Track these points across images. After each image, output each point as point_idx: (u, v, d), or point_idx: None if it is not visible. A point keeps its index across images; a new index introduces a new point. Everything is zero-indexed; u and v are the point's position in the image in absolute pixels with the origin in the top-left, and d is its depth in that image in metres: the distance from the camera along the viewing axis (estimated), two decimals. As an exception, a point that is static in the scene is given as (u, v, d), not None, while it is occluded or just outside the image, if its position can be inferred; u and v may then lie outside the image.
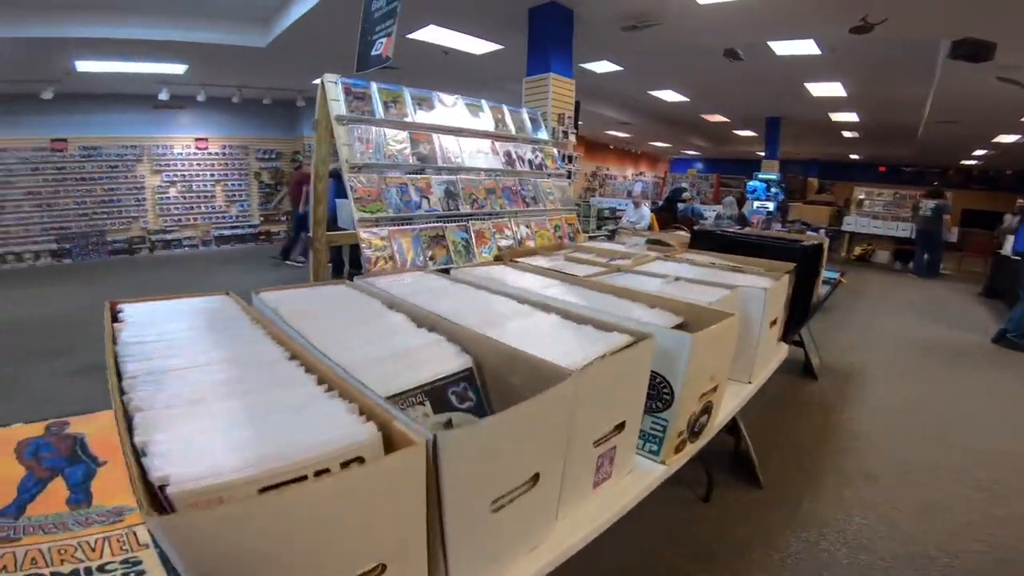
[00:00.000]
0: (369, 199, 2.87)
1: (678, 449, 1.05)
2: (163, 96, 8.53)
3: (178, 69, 7.44)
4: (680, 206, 8.93)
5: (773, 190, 11.12)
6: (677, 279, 1.42)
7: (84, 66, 6.87)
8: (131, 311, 0.99)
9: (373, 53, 4.23)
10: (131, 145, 9.50)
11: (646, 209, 8.05)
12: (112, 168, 9.43)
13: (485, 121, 3.65)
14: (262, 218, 10.84)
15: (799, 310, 2.04)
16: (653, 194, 16.93)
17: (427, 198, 3.09)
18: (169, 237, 10.02)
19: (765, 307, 1.34)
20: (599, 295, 1.26)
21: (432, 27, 5.82)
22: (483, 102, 3.70)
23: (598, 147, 17.60)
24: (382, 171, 2.96)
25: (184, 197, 10.07)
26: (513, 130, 3.82)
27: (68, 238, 9.19)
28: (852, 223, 10.32)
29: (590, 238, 4.65)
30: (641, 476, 1.02)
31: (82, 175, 9.20)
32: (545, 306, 1.07)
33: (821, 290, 3.01)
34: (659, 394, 0.98)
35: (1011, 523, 2.07)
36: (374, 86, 3.14)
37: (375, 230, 2.84)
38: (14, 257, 8.79)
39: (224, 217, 10.42)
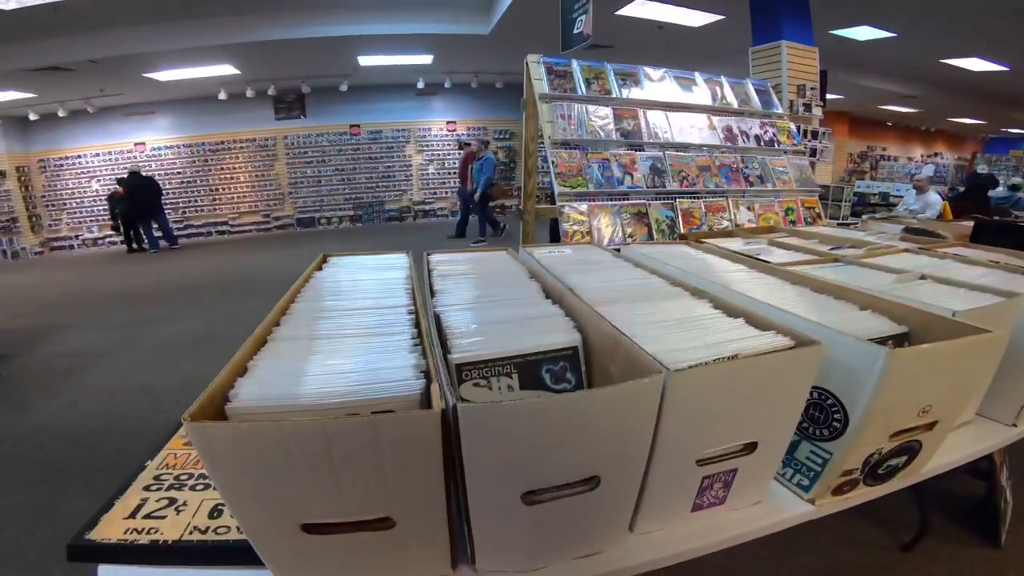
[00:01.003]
0: (569, 174, 2.89)
1: (840, 491, 0.78)
2: (420, 84, 10.05)
3: (426, 59, 8.60)
4: (994, 194, 6.72)
5: None
6: (923, 277, 1.04)
7: (364, 60, 8.47)
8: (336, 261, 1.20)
9: (575, 32, 4.21)
10: (401, 129, 11.48)
11: (935, 195, 6.31)
12: (389, 149, 11.57)
13: (700, 95, 3.31)
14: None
15: None
16: (956, 180, 13.20)
17: (631, 174, 2.97)
18: (427, 208, 11.88)
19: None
20: (791, 287, 1.00)
21: (641, 1, 5.48)
22: (696, 75, 3.37)
23: (869, 124, 14.44)
24: (586, 147, 2.94)
25: (438, 173, 11.80)
26: (735, 103, 3.37)
27: (360, 207, 11.67)
28: None
29: (838, 226, 3.84)
30: (770, 512, 0.79)
31: (370, 155, 11.51)
32: (699, 292, 0.89)
33: None
34: (827, 418, 0.73)
35: None
36: (575, 64, 3.12)
37: (574, 204, 2.85)
38: (326, 221, 11.54)
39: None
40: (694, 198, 3.02)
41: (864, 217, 4.06)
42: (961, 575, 1.57)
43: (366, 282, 1.06)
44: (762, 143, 3.40)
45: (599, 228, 2.83)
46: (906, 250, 1.31)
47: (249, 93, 10.03)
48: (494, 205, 8.87)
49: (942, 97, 9.87)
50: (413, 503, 0.58)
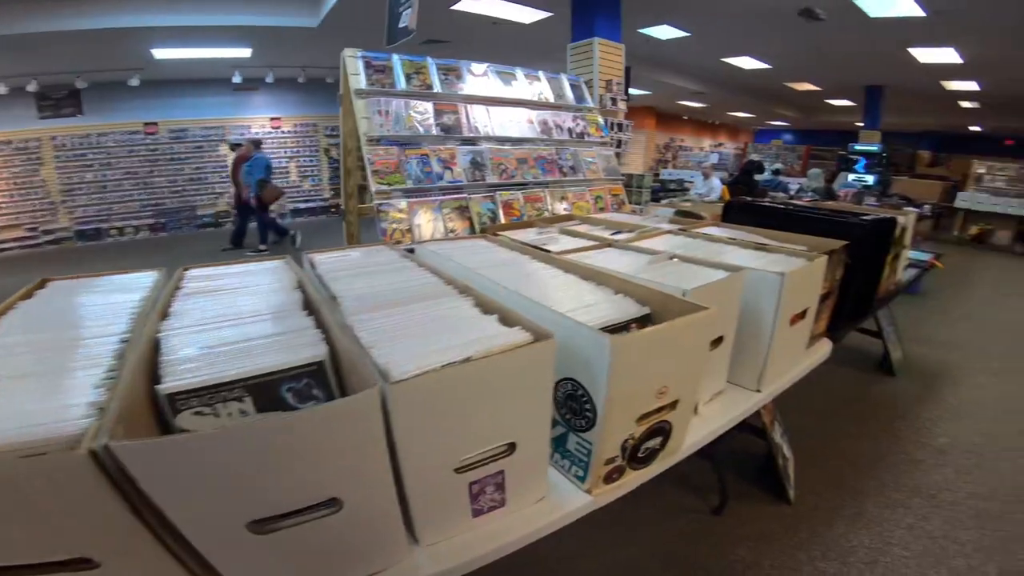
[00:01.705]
0: (387, 171, 2.77)
1: (611, 478, 0.83)
2: (236, 79, 8.98)
3: (244, 52, 7.74)
4: (760, 178, 8.15)
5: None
6: (673, 258, 1.16)
7: (160, 53, 7.31)
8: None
9: (400, 26, 4.11)
10: (214, 127, 10.13)
11: (716, 181, 7.46)
12: (198, 148, 10.14)
13: (519, 90, 3.42)
14: (332, 192, 11.30)
15: (856, 300, 1.67)
16: (734, 167, 15.72)
17: (451, 169, 2.95)
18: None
19: (780, 296, 1.04)
20: (563, 275, 1.04)
21: None
22: (517, 70, 3.47)
23: (671, 118, 16.58)
24: (404, 143, 2.85)
25: (262, 174, 10.68)
26: (551, 98, 3.55)
27: (164, 213, 10.04)
28: (968, 199, 8.90)
29: (634, 211, 4.29)
30: (552, 508, 0.81)
31: (172, 156, 9.97)
32: (466, 290, 0.87)
33: (903, 275, 2.52)
34: (581, 409, 0.76)
35: None
36: (395, 58, 3.02)
37: (392, 202, 2.74)
38: (117, 231, 9.74)
39: (298, 192, 10.97)
40: (513, 190, 3.11)
41: (664, 201, 4.61)
42: (763, 536, 1.76)
43: (82, 309, 0.86)
44: (574, 135, 3.63)
45: (419, 225, 2.77)
46: (669, 232, 1.46)
47: (1, 89, 8.06)
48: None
49: (723, 93, 11.68)
50: (104, 545, 0.50)
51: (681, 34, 7.04)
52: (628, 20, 6.30)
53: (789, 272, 1.03)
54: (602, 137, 3.78)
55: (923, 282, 4.41)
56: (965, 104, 10.44)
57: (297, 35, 6.66)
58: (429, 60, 3.12)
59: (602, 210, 3.46)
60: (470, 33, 6.85)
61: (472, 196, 2.97)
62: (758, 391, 1.16)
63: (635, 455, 0.83)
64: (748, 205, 1.85)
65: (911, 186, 9.28)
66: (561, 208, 3.28)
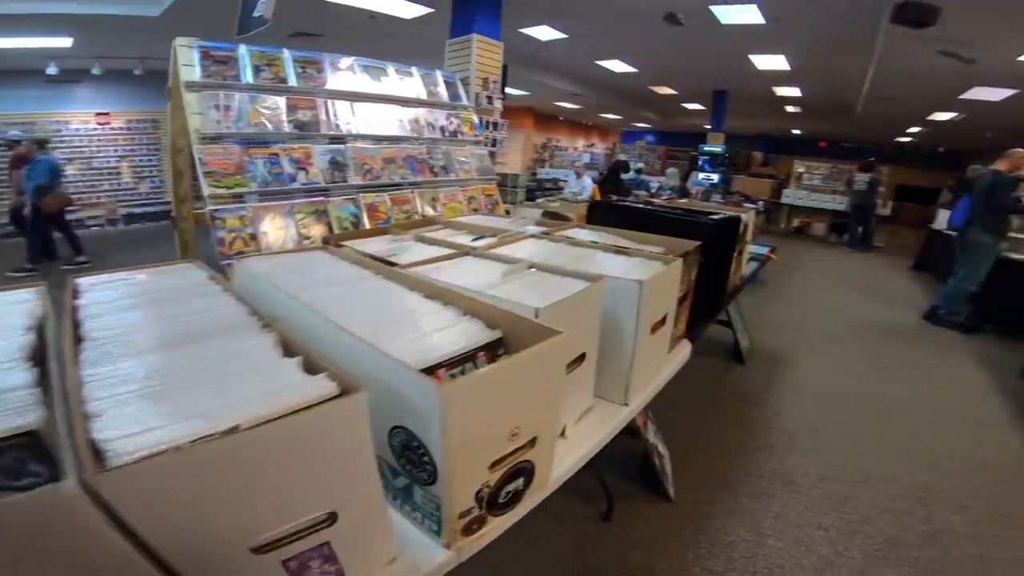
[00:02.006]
0: (225, 172, 2.41)
1: (471, 529, 0.72)
2: (52, 71, 7.52)
3: (64, 42, 6.50)
4: (626, 177, 8.69)
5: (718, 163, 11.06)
6: (531, 267, 1.07)
7: None
8: None
9: (254, 15, 3.66)
10: (22, 122, 8.43)
11: (588, 180, 7.79)
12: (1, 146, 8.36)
13: (389, 85, 3.19)
14: (178, 194, 9.95)
15: (709, 298, 1.75)
16: (604, 167, 16.72)
17: (305, 169, 2.65)
18: (70, 217, 8.98)
19: (640, 305, 1.00)
20: (406, 296, 0.90)
21: None
22: (389, 65, 3.25)
23: (548, 119, 17.18)
24: (248, 141, 2.50)
25: (84, 175, 9.11)
26: (424, 95, 3.37)
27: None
28: (791, 196, 10.37)
29: (508, 211, 4.29)
30: (409, 568, 0.68)
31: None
32: (271, 322, 0.69)
33: (746, 268, 2.77)
34: (419, 462, 0.64)
35: (939, 542, 1.83)
36: (242, 49, 2.65)
37: (231, 207, 2.39)
38: None
39: (133, 195, 9.51)
40: (380, 192, 2.89)
41: (537, 201, 4.66)
42: (653, 538, 1.78)
43: None
44: (447, 134, 3.49)
45: (266, 232, 2.45)
46: (532, 236, 1.39)
47: None
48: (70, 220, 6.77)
49: (595, 95, 12.31)
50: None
51: (560, 36, 7.22)
52: (509, 19, 6.31)
53: (647, 280, 1.00)
54: (476, 136, 3.69)
55: (761, 272, 4.95)
56: (790, 109, 12.07)
57: (135, 24, 5.72)
58: (285, 52, 2.79)
59: (475, 211, 3.37)
60: (346, 27, 6.43)
61: (331, 199, 2.70)
62: (625, 405, 1.12)
63: (494, 502, 0.73)
64: (611, 205, 1.87)
65: (748, 184, 10.56)
66: (432, 210, 3.13)
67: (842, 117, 11.31)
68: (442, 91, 3.59)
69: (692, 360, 1.50)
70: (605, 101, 13.34)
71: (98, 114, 9.10)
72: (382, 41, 6.96)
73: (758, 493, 2.05)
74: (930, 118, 9.79)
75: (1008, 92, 6.68)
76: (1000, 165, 4.35)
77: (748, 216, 2.18)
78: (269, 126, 2.60)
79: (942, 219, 6.91)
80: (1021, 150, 4.41)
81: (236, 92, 2.55)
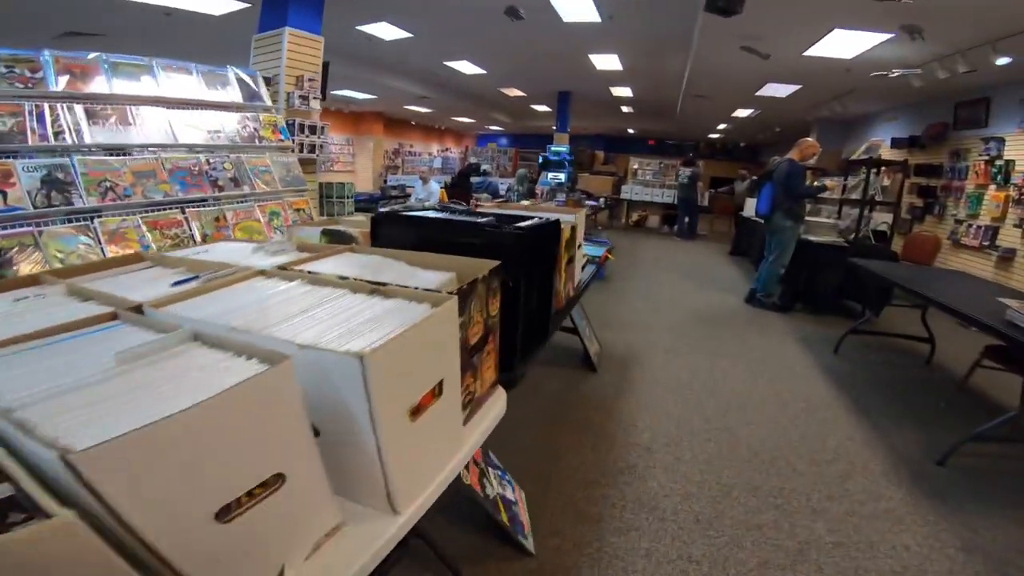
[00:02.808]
0: None
1: None
2: None
3: None
4: (475, 180, 8.56)
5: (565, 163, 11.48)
6: (196, 338, 0.68)
7: None
8: None
9: None
10: None
11: (435, 185, 7.50)
12: None
13: (151, 85, 2.52)
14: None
15: (532, 322, 1.51)
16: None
17: (3, 193, 1.94)
18: None
19: (370, 391, 0.67)
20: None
21: None
22: (154, 61, 2.59)
23: (399, 123, 16.56)
24: None
25: None
26: (200, 94, 2.74)
27: None
28: (628, 192, 11.14)
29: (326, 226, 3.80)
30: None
31: None
32: None
33: (583, 273, 2.65)
34: None
35: (808, 558, 1.77)
36: None
37: None
38: None
39: None
40: (128, 214, 2.25)
41: (325, 219, 4.20)
42: None
43: None
44: (239, 139, 2.90)
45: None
46: (259, 273, 1.00)
47: None
48: None
49: (446, 98, 12.00)
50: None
51: (403, 34, 6.79)
52: (346, 16, 5.73)
53: (377, 349, 0.67)
54: (281, 141, 3.13)
55: (605, 267, 5.03)
56: (625, 109, 12.98)
57: None
58: None
59: (278, 229, 2.85)
60: (137, 26, 5.34)
61: (46, 228, 2.02)
62: (396, 513, 0.78)
63: None
64: (398, 218, 1.54)
65: (591, 182, 11.13)
66: (220, 231, 2.55)
67: (666, 116, 12.44)
68: (234, 91, 2.98)
69: (542, 372, 1.24)
70: (456, 104, 13.14)
71: None
72: (184, 41, 5.96)
73: (625, 528, 1.87)
74: (734, 115, 11.15)
75: (794, 87, 7.73)
76: (793, 154, 4.88)
77: (577, 217, 2.01)
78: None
79: (750, 207, 7.82)
80: (810, 140, 5.02)
81: None
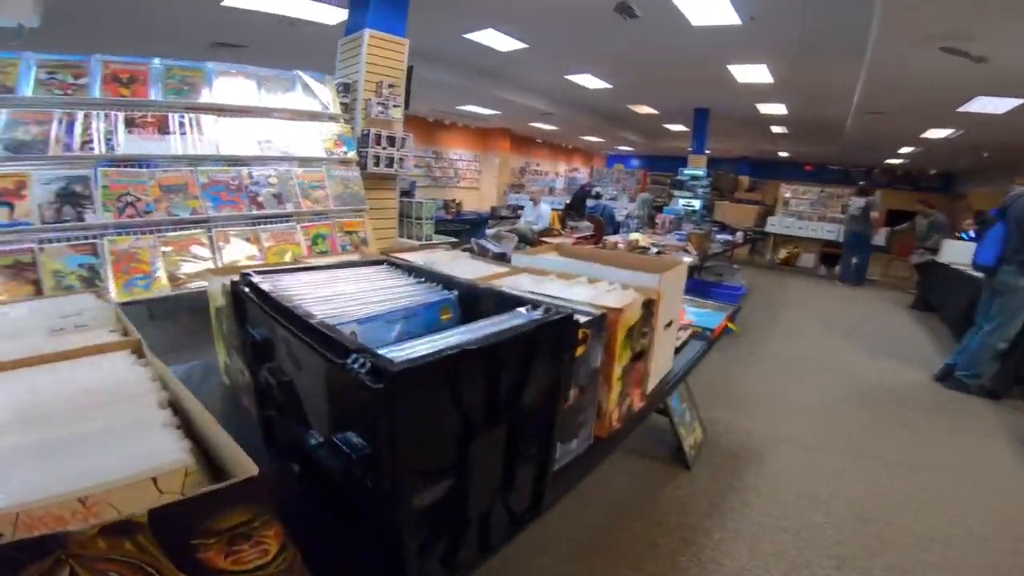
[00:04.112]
0: None
1: None
2: None
3: None
4: (590, 204, 7.90)
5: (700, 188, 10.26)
6: None
7: None
8: None
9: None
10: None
11: (546, 207, 6.97)
12: None
13: (200, 91, 2.33)
14: None
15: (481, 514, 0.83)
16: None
17: (9, 205, 1.76)
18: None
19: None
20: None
21: None
22: (208, 64, 2.40)
23: (525, 141, 16.48)
24: None
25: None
26: (256, 101, 2.51)
27: None
28: (776, 224, 9.52)
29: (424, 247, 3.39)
30: None
31: None
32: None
33: (667, 365, 1.84)
34: None
35: None
36: None
37: None
38: None
39: None
40: (142, 233, 2.00)
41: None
42: None
43: None
44: (292, 151, 2.59)
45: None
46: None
47: None
48: None
49: (571, 114, 11.56)
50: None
51: (517, 44, 6.50)
52: (448, 21, 5.58)
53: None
54: (344, 153, 2.81)
55: (736, 317, 4.04)
56: (776, 129, 11.36)
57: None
58: (25, 55, 1.94)
59: (323, 254, 2.48)
60: (268, 37, 5.72)
61: (48, 245, 1.80)
62: None
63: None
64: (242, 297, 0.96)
65: (730, 211, 9.73)
66: (244, 255, 2.23)
67: (830, 136, 10.61)
68: (298, 97, 2.72)
69: (622, 460, 0.70)
70: (583, 121, 12.62)
71: None
72: (307, 50, 6.21)
73: None
74: (924, 135, 9.06)
75: (1015, 102, 5.90)
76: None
77: (665, 281, 1.28)
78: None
79: (950, 251, 6.05)
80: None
81: None
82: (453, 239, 3.96)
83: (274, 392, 0.71)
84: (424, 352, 0.54)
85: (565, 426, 0.88)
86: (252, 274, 0.75)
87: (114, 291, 1.89)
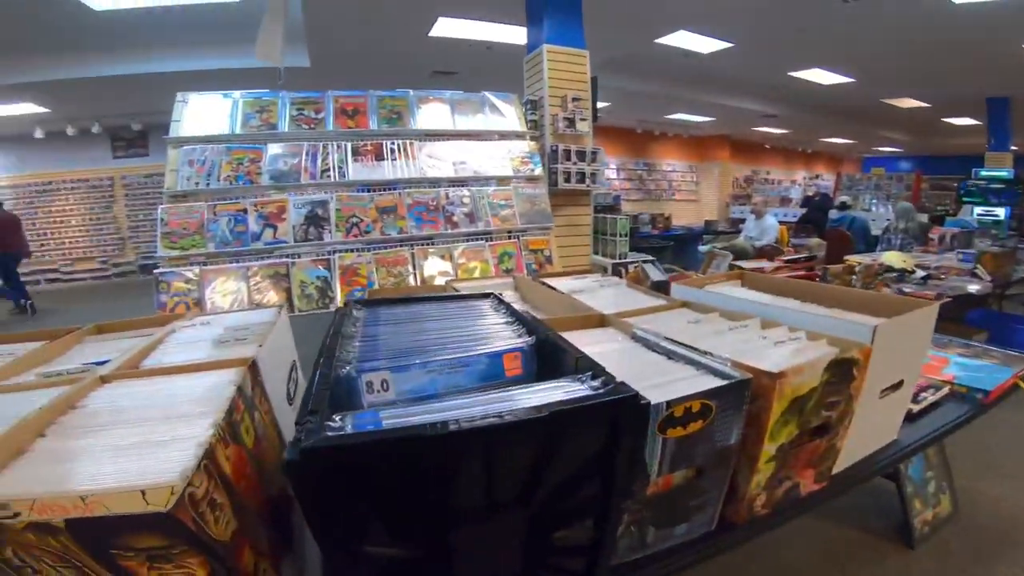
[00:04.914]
0: (184, 233, 2.15)
1: None
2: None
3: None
4: (834, 215, 6.62)
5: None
6: None
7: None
8: None
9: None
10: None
11: (771, 220, 6.10)
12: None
13: (405, 119, 2.68)
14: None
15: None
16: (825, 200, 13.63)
17: (274, 227, 2.26)
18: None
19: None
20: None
21: (443, 19, 5.02)
22: (410, 92, 2.75)
23: (749, 147, 14.84)
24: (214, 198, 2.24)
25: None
26: (451, 124, 2.76)
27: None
28: None
29: (617, 266, 3.25)
30: None
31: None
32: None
33: (887, 434, 1.32)
34: None
35: None
36: (236, 95, 2.45)
37: (178, 270, 2.11)
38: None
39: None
40: (361, 251, 2.34)
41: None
42: None
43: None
44: (483, 170, 2.75)
45: (212, 298, 2.10)
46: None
47: (70, 131, 8.92)
48: None
49: (802, 115, 10.04)
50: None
51: (721, 44, 5.95)
52: (634, 28, 5.44)
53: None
54: (531, 171, 2.89)
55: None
56: None
57: (295, 74, 6.47)
58: (281, 95, 2.52)
59: (508, 272, 2.58)
60: (471, 62, 6.31)
61: (297, 260, 2.25)
62: None
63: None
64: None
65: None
66: (437, 271, 2.45)
67: None
68: (486, 118, 2.88)
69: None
70: (818, 122, 10.80)
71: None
72: (508, 72, 6.64)
73: None
74: None
75: None
76: None
77: (894, 327, 0.93)
78: (242, 179, 2.29)
79: None
80: None
81: (211, 144, 2.32)
82: (648, 257, 3.74)
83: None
84: (375, 429, 0.46)
85: (662, 508, 0.70)
86: (355, 304, 0.77)
87: (339, 300, 2.25)
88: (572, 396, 0.52)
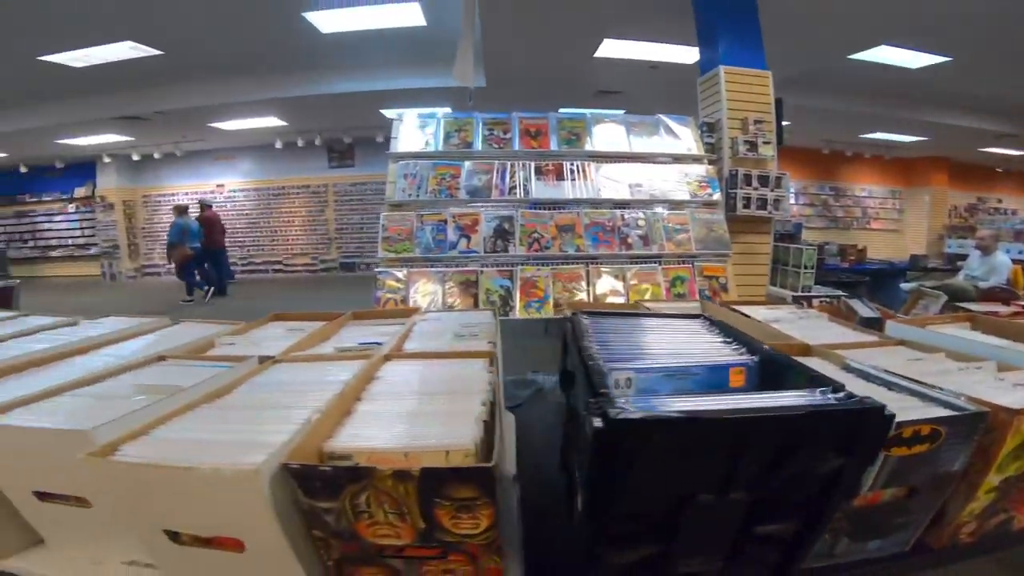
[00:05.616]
0: (398, 238, 2.59)
1: None
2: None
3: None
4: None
5: None
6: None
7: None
8: None
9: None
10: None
11: (1003, 258, 5.04)
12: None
13: (583, 140, 2.84)
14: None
15: None
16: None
17: (468, 237, 2.59)
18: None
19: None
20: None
21: (609, 41, 5.13)
22: (588, 113, 2.93)
23: (974, 170, 12.30)
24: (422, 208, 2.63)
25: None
26: (627, 146, 2.84)
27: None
28: None
29: (799, 299, 3.00)
30: None
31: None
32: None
33: None
34: None
35: None
36: (438, 115, 2.85)
37: (391, 270, 2.53)
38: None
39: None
40: (543, 265, 2.54)
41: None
42: None
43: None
44: (659, 193, 2.77)
45: (415, 298, 2.47)
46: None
47: (300, 143, 10.86)
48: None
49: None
50: None
51: (935, 59, 5.15)
52: (824, 44, 4.99)
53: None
54: (709, 195, 2.84)
55: None
56: None
57: (479, 93, 7.01)
58: (476, 116, 2.86)
59: (680, 296, 2.57)
60: (635, 82, 6.35)
61: (485, 269, 2.53)
62: None
63: None
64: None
65: None
66: (608, 289, 2.55)
67: None
68: (662, 141, 2.91)
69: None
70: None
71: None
72: (671, 91, 6.42)
73: None
74: None
75: None
76: None
77: None
78: (443, 193, 2.66)
79: None
80: None
81: (419, 160, 2.72)
82: (838, 292, 3.37)
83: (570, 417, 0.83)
84: (663, 411, 0.53)
85: (862, 522, 0.70)
86: (580, 314, 0.90)
87: (518, 309, 2.47)
88: (817, 403, 0.57)
